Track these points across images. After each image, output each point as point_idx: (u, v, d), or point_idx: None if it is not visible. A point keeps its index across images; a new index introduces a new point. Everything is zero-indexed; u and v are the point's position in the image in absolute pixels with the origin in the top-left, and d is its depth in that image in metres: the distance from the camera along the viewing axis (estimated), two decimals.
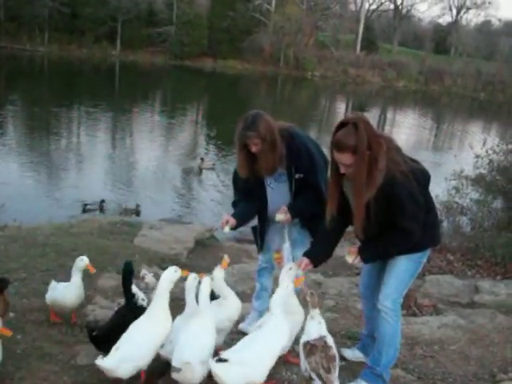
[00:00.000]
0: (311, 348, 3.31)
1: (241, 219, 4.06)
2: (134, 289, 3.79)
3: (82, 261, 4.18)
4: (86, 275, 5.36)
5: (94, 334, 3.61)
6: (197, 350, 3.19)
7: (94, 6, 46.30)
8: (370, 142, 3.20)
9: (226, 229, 3.99)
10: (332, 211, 3.54)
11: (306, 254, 3.64)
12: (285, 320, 3.39)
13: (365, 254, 3.52)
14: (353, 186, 3.36)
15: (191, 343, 3.21)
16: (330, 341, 3.39)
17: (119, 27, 47.95)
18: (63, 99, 27.58)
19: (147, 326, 3.34)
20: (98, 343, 3.62)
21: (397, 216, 3.31)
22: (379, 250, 3.48)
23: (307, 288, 3.61)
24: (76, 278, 4.18)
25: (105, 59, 46.55)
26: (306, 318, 3.57)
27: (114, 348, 3.28)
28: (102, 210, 12.79)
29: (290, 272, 3.60)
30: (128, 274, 3.75)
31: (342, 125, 3.27)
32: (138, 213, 12.82)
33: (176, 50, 48.70)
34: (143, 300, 3.76)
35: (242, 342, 3.26)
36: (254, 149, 3.82)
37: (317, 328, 3.42)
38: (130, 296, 3.74)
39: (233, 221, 3.98)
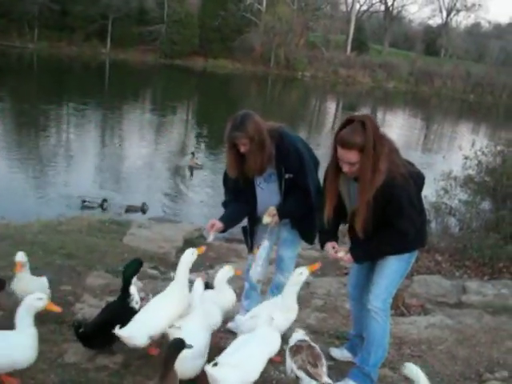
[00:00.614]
0: (297, 348, 3.35)
1: (229, 222, 4.06)
2: (133, 289, 3.76)
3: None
4: (75, 273, 5.37)
5: (81, 330, 3.59)
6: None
7: (85, 3, 45.99)
8: (375, 142, 3.19)
9: (211, 237, 4.01)
10: (330, 212, 3.53)
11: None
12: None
13: (356, 252, 3.53)
14: (358, 185, 3.34)
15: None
16: (314, 344, 3.43)
17: (110, 25, 47.71)
18: (52, 96, 27.46)
19: (165, 300, 3.57)
20: (86, 340, 3.60)
21: (394, 217, 3.34)
22: (372, 250, 3.50)
23: None
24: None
25: (95, 57, 46.32)
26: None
27: (133, 319, 3.46)
28: (103, 208, 12.73)
29: (300, 277, 3.66)
30: (133, 272, 3.76)
31: (349, 122, 3.25)
32: (144, 211, 12.80)
33: (167, 48, 48.59)
34: (137, 303, 3.74)
35: (235, 344, 3.30)
36: (242, 149, 3.82)
37: (302, 337, 3.49)
38: (126, 295, 3.71)
39: (219, 225, 3.98)
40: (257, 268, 4.07)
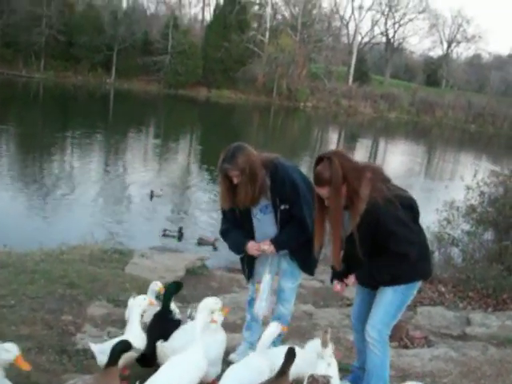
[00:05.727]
0: (312, 381, 3.27)
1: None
2: (173, 306, 4.13)
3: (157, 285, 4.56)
4: (77, 303, 5.34)
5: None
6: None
7: (91, 34, 46.78)
8: (345, 175, 3.32)
9: (265, 247, 4.01)
10: (319, 244, 3.66)
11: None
12: None
13: (359, 274, 3.60)
14: (329, 218, 3.48)
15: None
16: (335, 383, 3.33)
17: (115, 56, 48.40)
18: (58, 124, 27.76)
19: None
20: (146, 361, 3.75)
21: (387, 241, 3.36)
22: (373, 271, 3.52)
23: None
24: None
25: (100, 87, 46.90)
26: None
27: None
28: (180, 237, 13.30)
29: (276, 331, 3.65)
30: (173, 292, 4.17)
31: (320, 160, 3.41)
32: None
33: (170, 79, 49.08)
34: (178, 315, 4.18)
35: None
36: (235, 180, 3.84)
37: (325, 368, 3.37)
38: (168, 311, 4.04)
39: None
40: (261, 304, 4.05)
